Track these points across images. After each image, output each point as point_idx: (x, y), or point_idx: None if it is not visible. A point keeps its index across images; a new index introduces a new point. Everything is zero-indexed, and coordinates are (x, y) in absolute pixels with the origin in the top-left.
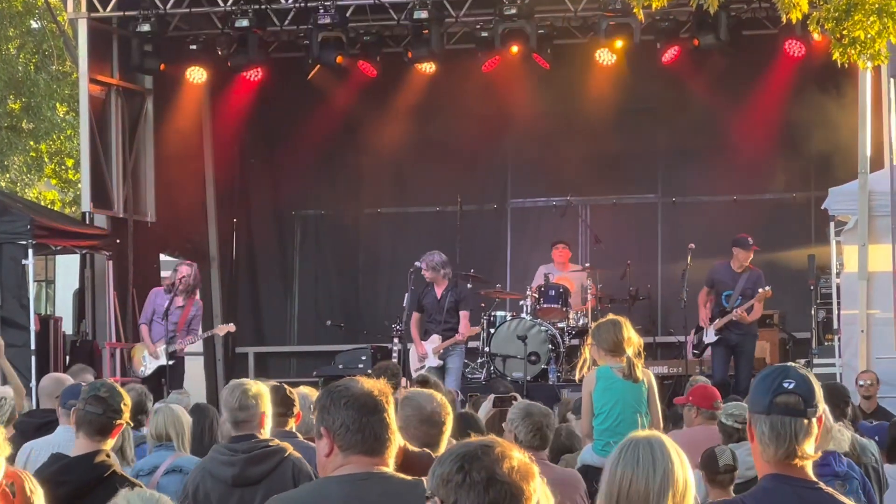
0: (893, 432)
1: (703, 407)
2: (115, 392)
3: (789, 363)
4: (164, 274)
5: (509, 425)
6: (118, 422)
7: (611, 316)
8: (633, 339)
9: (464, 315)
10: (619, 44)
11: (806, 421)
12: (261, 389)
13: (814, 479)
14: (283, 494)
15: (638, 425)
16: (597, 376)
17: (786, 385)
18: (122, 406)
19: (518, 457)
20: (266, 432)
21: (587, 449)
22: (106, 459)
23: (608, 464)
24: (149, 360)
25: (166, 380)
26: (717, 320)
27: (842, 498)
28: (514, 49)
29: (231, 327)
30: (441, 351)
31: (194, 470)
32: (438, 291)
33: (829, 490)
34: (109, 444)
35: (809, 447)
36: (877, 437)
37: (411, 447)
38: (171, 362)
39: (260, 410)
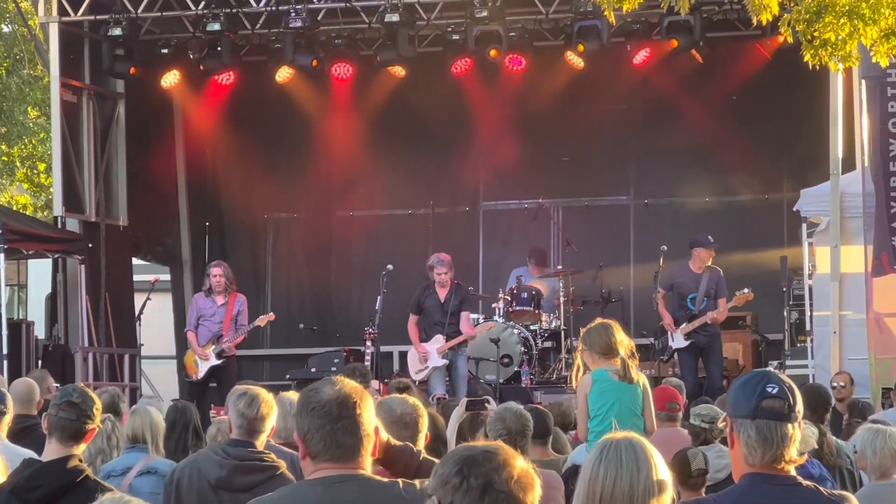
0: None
1: (655, 409)
2: (87, 397)
3: (768, 368)
4: (136, 277)
5: (487, 427)
6: (90, 426)
7: (599, 320)
8: (624, 341)
9: (465, 316)
10: (590, 46)
11: (790, 425)
12: (273, 401)
13: (794, 475)
14: (260, 499)
15: (634, 426)
16: (592, 379)
17: (769, 389)
18: (94, 411)
19: (521, 465)
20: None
21: (580, 449)
22: (78, 464)
23: (589, 464)
24: (200, 364)
25: (219, 380)
26: (686, 324)
27: (824, 491)
28: (493, 52)
29: (271, 316)
30: (446, 351)
31: (188, 458)
32: (442, 294)
33: (809, 484)
34: (81, 448)
35: (794, 451)
36: None
37: (394, 441)
38: (220, 361)
39: (270, 423)
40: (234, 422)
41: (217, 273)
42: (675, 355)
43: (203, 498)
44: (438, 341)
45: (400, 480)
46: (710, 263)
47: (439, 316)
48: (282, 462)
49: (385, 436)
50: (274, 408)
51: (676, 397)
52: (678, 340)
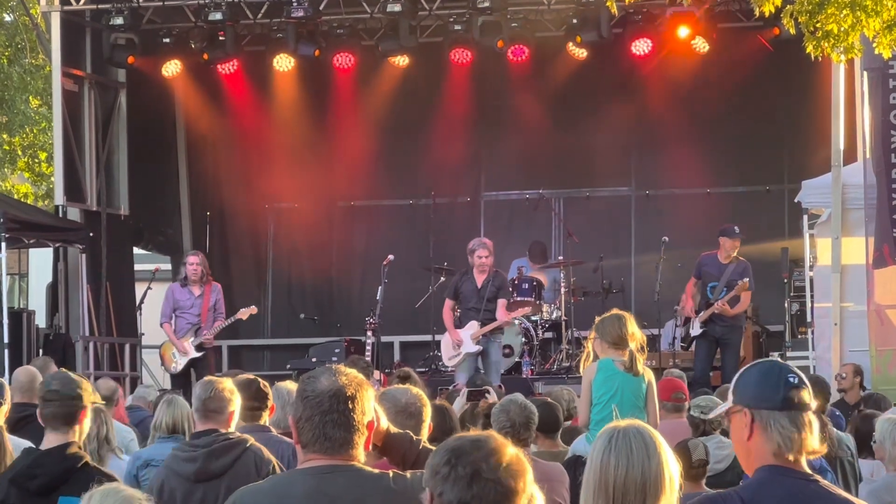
0: (860, 425)
1: (660, 399)
2: (66, 380)
3: (776, 359)
4: (137, 267)
5: (491, 419)
6: (79, 407)
7: (615, 310)
8: (636, 334)
9: (501, 303)
10: (590, 38)
11: (812, 415)
12: (233, 387)
13: (809, 471)
14: (250, 486)
15: (636, 418)
16: (598, 367)
17: (792, 380)
18: (80, 391)
19: (511, 453)
20: (231, 429)
21: (580, 439)
22: (77, 451)
23: (598, 453)
24: (179, 357)
25: (195, 372)
26: (703, 312)
27: (838, 491)
28: (500, 43)
29: (253, 309)
30: (480, 337)
31: (159, 468)
32: (479, 279)
33: (826, 483)
34: (78, 430)
35: (816, 441)
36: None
37: (394, 429)
38: (199, 354)
39: (230, 408)
40: (193, 409)
41: (194, 262)
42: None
43: (187, 497)
44: (473, 327)
45: (390, 472)
46: (735, 254)
47: (475, 301)
48: (247, 436)
49: (385, 424)
50: (236, 392)
51: (682, 388)
52: (695, 328)
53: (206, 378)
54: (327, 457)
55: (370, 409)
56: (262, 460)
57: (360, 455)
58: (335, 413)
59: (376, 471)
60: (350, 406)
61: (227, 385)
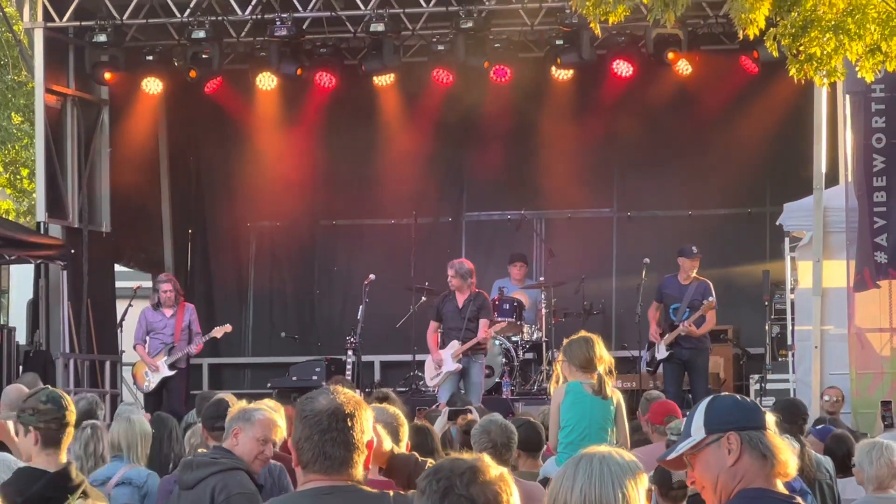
0: (837, 445)
1: (653, 423)
2: (60, 405)
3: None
4: (119, 284)
5: (472, 439)
6: (68, 427)
7: (583, 333)
8: (604, 357)
9: (483, 323)
10: (574, 58)
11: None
12: (242, 405)
13: (787, 492)
14: None
15: (603, 441)
16: (566, 390)
17: (760, 405)
18: (67, 413)
19: (493, 474)
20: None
21: (550, 462)
22: (77, 474)
23: (570, 476)
24: (151, 375)
25: (166, 392)
26: (668, 335)
27: None
28: (486, 63)
29: (227, 328)
30: (460, 356)
31: None
32: (460, 300)
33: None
34: (64, 448)
35: (794, 466)
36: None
37: (398, 449)
38: (172, 373)
39: (233, 426)
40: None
41: (167, 289)
42: (661, 367)
43: (176, 500)
44: (454, 346)
45: (391, 492)
46: (695, 274)
47: (456, 322)
48: (238, 464)
49: (389, 445)
50: (242, 409)
51: (675, 411)
52: (661, 351)
53: (217, 397)
54: (327, 477)
55: (369, 428)
56: (220, 490)
57: (360, 474)
58: (334, 431)
59: (376, 490)
60: (349, 424)
61: (235, 405)
